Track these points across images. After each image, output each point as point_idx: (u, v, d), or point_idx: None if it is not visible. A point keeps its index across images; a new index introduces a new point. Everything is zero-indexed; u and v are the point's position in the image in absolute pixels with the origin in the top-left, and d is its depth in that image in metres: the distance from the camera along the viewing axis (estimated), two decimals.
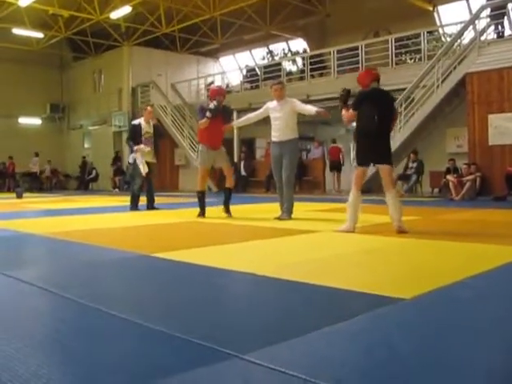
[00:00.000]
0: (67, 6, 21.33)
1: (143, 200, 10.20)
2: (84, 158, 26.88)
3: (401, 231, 5.98)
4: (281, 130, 7.82)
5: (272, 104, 7.97)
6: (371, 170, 6.83)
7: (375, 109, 6.15)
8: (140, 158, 9.93)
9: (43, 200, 15.72)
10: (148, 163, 10.08)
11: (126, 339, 2.40)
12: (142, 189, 10.24)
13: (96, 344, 2.31)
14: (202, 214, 8.48)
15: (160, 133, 10.64)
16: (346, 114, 6.35)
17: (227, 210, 8.52)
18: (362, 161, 6.32)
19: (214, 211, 8.87)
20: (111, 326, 2.56)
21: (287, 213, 7.75)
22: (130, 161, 10.29)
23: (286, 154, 7.74)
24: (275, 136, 7.90)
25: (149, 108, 10.67)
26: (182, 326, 2.50)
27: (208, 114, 8.15)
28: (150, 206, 10.25)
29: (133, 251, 4.82)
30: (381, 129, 6.19)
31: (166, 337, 2.35)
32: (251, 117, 8.41)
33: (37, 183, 26.67)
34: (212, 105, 8.24)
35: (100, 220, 8.57)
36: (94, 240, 5.67)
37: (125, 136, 18.88)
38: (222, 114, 8.40)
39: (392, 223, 6.15)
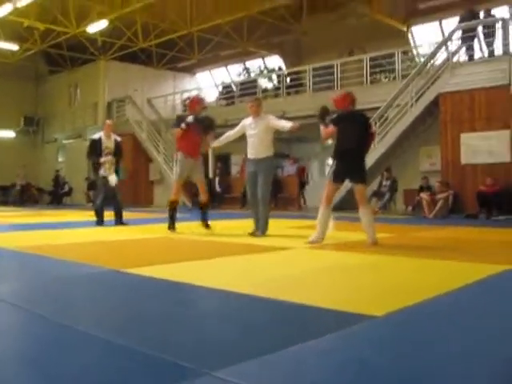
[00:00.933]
0: (43, 19, 21.18)
1: (110, 215, 10.05)
2: (57, 171, 26.60)
3: (374, 245, 6.07)
4: (255, 147, 7.79)
5: (248, 121, 7.95)
6: (345, 187, 7.01)
7: (354, 130, 6.35)
8: (106, 170, 9.82)
9: (14, 214, 15.49)
10: (104, 178, 9.88)
11: (93, 355, 2.36)
12: (106, 203, 10.06)
13: (64, 360, 2.27)
14: (172, 227, 8.41)
15: (120, 150, 10.18)
16: (325, 130, 6.49)
17: (206, 225, 8.50)
18: (338, 177, 6.51)
19: (187, 227, 8.82)
20: (79, 342, 2.52)
21: (262, 229, 7.73)
22: (104, 174, 10.02)
23: (261, 171, 7.69)
24: (251, 153, 7.88)
25: (107, 122, 10.43)
26: (150, 342, 2.47)
27: (183, 125, 8.18)
28: (118, 221, 10.07)
29: (102, 266, 4.77)
30: (358, 149, 6.42)
31: (133, 353, 2.32)
32: (230, 135, 8.32)
33: (8, 197, 26.29)
34: (190, 118, 8.23)
35: (71, 235, 8.47)
36: (64, 255, 5.60)
37: None
38: (202, 125, 8.40)
39: (366, 238, 6.21)
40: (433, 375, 2.08)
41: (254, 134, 7.77)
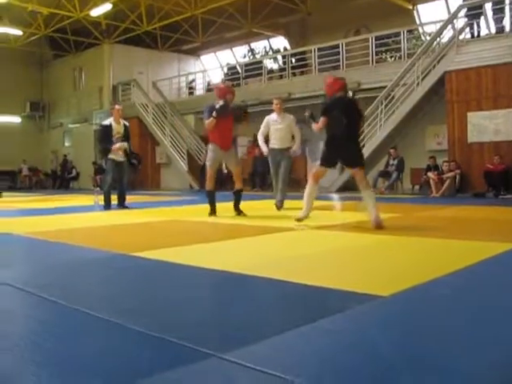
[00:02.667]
0: (47, 3, 21.10)
1: (114, 199, 10.11)
2: (65, 156, 26.67)
3: (378, 227, 6.05)
4: (281, 139, 9.11)
5: (273, 117, 9.20)
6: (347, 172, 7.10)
7: (342, 116, 6.36)
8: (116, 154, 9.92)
9: (22, 199, 15.56)
10: (119, 162, 10.01)
11: (103, 339, 2.39)
12: (114, 187, 10.14)
13: (73, 344, 2.30)
14: (213, 212, 8.29)
15: (129, 135, 10.28)
16: (316, 126, 6.59)
17: (238, 210, 8.34)
18: (327, 162, 6.60)
19: (194, 210, 8.84)
20: (89, 326, 2.55)
21: (280, 203, 8.99)
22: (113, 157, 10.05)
23: (285, 159, 9.04)
24: (275, 144, 9.12)
25: (117, 106, 10.43)
26: (160, 325, 2.49)
27: (214, 113, 7.93)
28: (121, 204, 10.14)
29: (111, 250, 4.80)
30: (349, 134, 6.42)
31: (144, 337, 2.34)
32: (262, 136, 9.27)
33: (16, 182, 26.43)
34: (218, 105, 7.99)
35: (79, 219, 8.50)
36: (72, 239, 5.63)
37: None
38: (232, 113, 8.25)
39: (370, 220, 6.23)
40: (439, 354, 2.10)
41: (280, 128, 9.08)
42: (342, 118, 6.35)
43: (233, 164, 8.57)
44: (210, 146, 8.35)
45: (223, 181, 8.48)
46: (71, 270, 4.10)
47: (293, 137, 9.28)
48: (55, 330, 2.50)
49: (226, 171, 19.61)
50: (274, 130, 9.11)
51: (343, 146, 6.39)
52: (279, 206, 8.96)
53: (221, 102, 8.00)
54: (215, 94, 8.40)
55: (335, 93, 6.60)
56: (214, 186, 8.42)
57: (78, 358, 2.13)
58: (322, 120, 6.44)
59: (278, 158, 9.09)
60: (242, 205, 8.39)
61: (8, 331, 2.51)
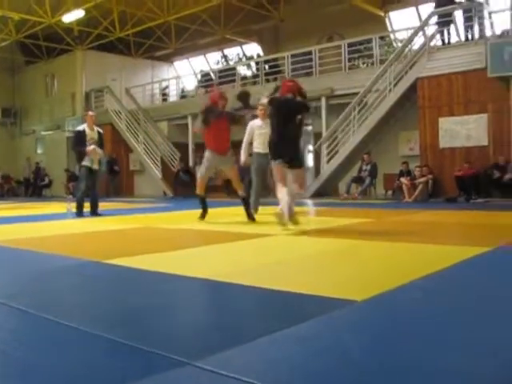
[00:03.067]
0: (18, 9, 20.87)
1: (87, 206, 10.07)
2: (37, 163, 26.36)
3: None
4: (266, 143, 8.50)
5: (256, 122, 9.18)
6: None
7: (279, 117, 6.75)
8: (90, 160, 9.90)
9: None
10: (91, 170, 10.00)
11: (74, 348, 2.36)
12: (87, 194, 10.11)
13: (43, 354, 2.27)
14: (203, 215, 8.39)
15: (103, 141, 10.30)
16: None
17: (250, 216, 8.33)
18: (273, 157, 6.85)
19: (169, 217, 8.80)
20: (59, 336, 2.52)
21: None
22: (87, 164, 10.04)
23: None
24: (260, 148, 8.94)
25: (90, 113, 10.55)
26: (132, 333, 2.47)
27: (201, 122, 8.15)
28: (93, 212, 10.11)
29: (83, 258, 4.75)
30: (285, 134, 6.68)
31: (116, 345, 2.32)
32: (246, 143, 9.23)
33: None
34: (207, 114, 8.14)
35: (51, 227, 8.40)
36: (44, 247, 5.57)
37: None
38: (227, 119, 8.28)
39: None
40: (410, 358, 2.12)
41: (265, 132, 8.52)
42: (279, 119, 6.71)
43: (229, 170, 8.50)
44: (206, 153, 8.32)
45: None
46: (42, 278, 4.05)
47: None
48: (24, 340, 2.47)
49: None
50: (259, 134, 9.12)
51: (282, 146, 6.69)
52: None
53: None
54: (208, 99, 8.49)
55: (283, 94, 6.82)
56: (203, 192, 8.50)
57: (47, 368, 2.10)
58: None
59: (263, 161, 8.85)
60: (215, 212, 8.38)
61: None
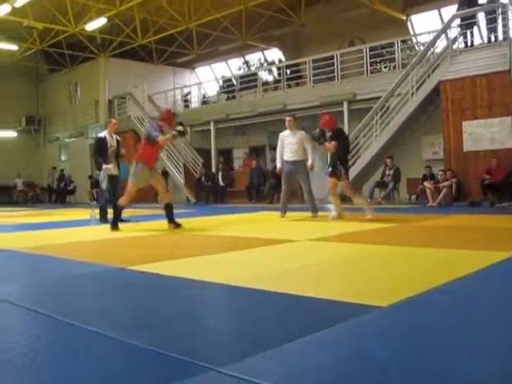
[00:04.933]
0: (42, 18, 21.19)
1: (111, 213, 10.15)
2: (62, 170, 26.65)
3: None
4: (294, 152, 10.04)
5: (285, 133, 10.24)
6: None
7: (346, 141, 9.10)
8: (103, 174, 10.13)
9: (17, 214, 15.52)
10: (111, 176, 10.16)
11: (99, 354, 2.37)
12: (110, 201, 10.22)
13: (70, 360, 2.28)
14: (115, 227, 8.38)
15: (120, 148, 10.54)
16: (329, 146, 8.78)
17: (173, 223, 8.38)
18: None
19: (192, 223, 8.81)
20: (85, 341, 2.53)
21: (314, 211, 10.00)
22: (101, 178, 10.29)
23: (300, 171, 10.07)
24: (289, 156, 10.06)
25: (113, 120, 10.77)
26: (157, 339, 2.48)
27: (174, 133, 8.26)
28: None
29: (108, 264, 4.78)
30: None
31: (140, 350, 2.33)
32: (280, 152, 10.25)
33: (11, 197, 26.37)
34: (177, 129, 8.35)
35: (75, 234, 8.47)
36: (69, 254, 5.61)
37: None
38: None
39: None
40: (438, 363, 2.09)
41: (294, 141, 10.05)
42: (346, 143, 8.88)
43: (158, 181, 8.60)
44: (140, 166, 8.27)
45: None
46: (67, 284, 4.08)
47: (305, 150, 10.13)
48: (52, 346, 2.49)
49: (222, 184, 19.75)
50: (288, 143, 10.08)
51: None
52: (315, 215, 9.90)
53: (173, 132, 8.25)
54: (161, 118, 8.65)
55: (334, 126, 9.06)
56: (128, 203, 8.61)
57: (74, 375, 2.11)
58: (333, 144, 8.71)
59: (291, 168, 10.06)
60: (240, 216, 8.36)
61: (4, 348, 2.49)
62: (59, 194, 26.01)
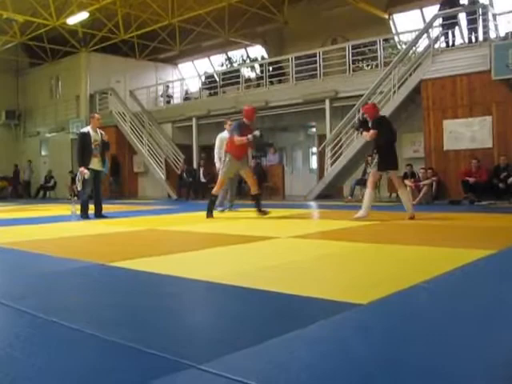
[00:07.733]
0: (22, 11, 20.94)
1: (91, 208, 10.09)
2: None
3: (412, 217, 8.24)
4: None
5: (224, 134, 11.07)
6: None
7: (389, 129, 8.70)
8: (79, 176, 10.03)
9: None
10: (95, 171, 10.05)
11: (80, 351, 2.35)
12: (91, 197, 10.16)
13: (49, 357, 2.26)
14: (210, 215, 9.30)
15: (106, 145, 10.44)
16: (366, 134, 8.78)
17: (261, 211, 9.54)
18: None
19: (173, 219, 8.79)
20: (65, 338, 2.51)
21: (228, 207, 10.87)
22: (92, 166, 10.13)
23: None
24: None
25: (96, 115, 10.64)
26: (137, 336, 2.47)
27: (250, 137, 9.35)
28: (98, 214, 10.13)
29: (88, 260, 4.74)
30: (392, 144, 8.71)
31: (120, 347, 2.32)
32: (218, 153, 11.07)
33: None
34: (257, 132, 9.51)
35: (54, 229, 8.40)
36: (48, 250, 5.56)
37: None
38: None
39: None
40: (417, 362, 2.11)
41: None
42: (389, 131, 8.68)
43: (246, 171, 9.80)
44: (228, 157, 9.50)
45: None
46: (47, 281, 4.05)
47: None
48: (31, 343, 2.46)
49: (204, 180, 19.71)
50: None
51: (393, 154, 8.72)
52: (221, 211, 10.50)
53: (256, 133, 9.45)
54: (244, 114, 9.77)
55: (376, 114, 8.87)
56: (220, 192, 9.89)
57: (53, 371, 2.09)
58: (373, 132, 8.58)
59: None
60: (221, 214, 8.36)
61: None
62: (39, 189, 25.78)
